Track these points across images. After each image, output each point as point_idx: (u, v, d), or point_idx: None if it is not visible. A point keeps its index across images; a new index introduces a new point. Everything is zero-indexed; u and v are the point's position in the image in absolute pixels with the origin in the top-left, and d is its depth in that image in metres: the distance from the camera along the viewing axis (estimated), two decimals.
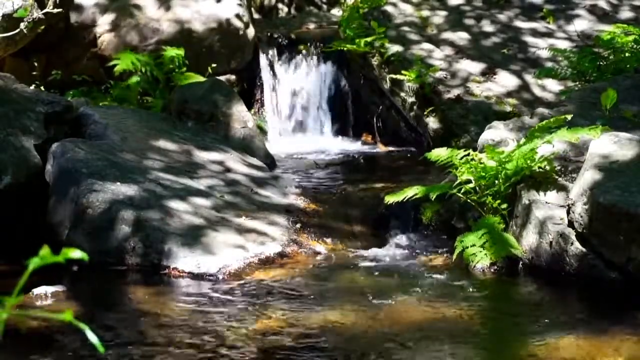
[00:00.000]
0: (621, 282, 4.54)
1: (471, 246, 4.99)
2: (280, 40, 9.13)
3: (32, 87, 6.88)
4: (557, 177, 5.21)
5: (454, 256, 5.01)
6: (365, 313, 4.31)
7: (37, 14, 6.50)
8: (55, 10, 6.44)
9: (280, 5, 11.33)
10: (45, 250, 1.25)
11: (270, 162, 7.16)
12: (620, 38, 7.18)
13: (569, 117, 5.27)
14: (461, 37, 8.69)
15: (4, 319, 1.24)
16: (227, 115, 7.28)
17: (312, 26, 9.85)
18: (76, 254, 1.27)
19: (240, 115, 7.34)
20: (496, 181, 5.22)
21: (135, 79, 8.06)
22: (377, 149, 8.37)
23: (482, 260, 4.93)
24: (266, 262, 5.10)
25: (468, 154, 5.29)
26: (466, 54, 8.45)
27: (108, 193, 5.30)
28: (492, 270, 4.92)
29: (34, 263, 1.27)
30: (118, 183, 5.42)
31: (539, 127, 5.16)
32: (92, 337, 1.31)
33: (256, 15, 10.60)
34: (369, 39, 8.42)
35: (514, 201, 5.14)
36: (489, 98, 7.82)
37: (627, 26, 7.51)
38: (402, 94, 8.16)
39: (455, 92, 7.88)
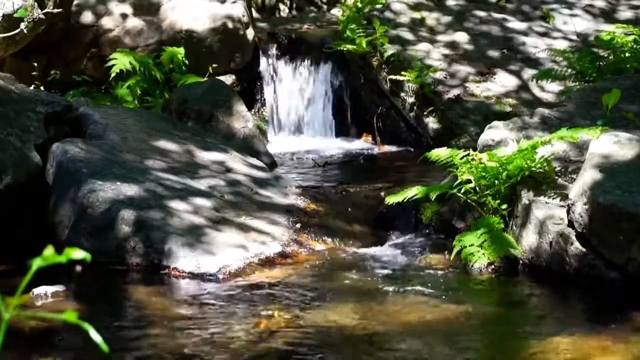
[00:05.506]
0: (621, 282, 4.54)
1: (469, 246, 4.99)
2: (280, 40, 9.13)
3: (32, 87, 6.88)
4: (557, 177, 5.22)
5: (452, 255, 5.01)
6: (365, 312, 4.31)
7: (37, 14, 6.49)
8: (55, 10, 6.44)
9: (280, 6, 11.33)
10: (48, 251, 1.26)
11: (270, 162, 7.16)
12: (620, 38, 7.18)
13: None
14: (460, 37, 8.69)
15: (7, 319, 1.24)
16: (227, 115, 7.28)
17: (312, 26, 9.85)
18: (79, 254, 1.27)
19: (240, 115, 7.34)
20: (496, 181, 5.22)
21: (135, 79, 8.06)
22: (377, 149, 8.37)
23: (479, 260, 4.93)
24: (266, 262, 5.10)
25: (468, 154, 5.29)
26: (465, 54, 8.45)
27: (108, 193, 5.30)
28: (489, 270, 4.92)
29: (37, 263, 1.27)
30: (118, 183, 5.42)
31: (542, 141, 5.15)
32: (96, 337, 1.31)
33: (256, 15, 10.61)
34: (369, 38, 8.42)
35: (514, 201, 5.15)
36: (488, 98, 7.83)
37: (627, 26, 7.52)
38: (402, 94, 8.16)
39: (454, 92, 7.88)
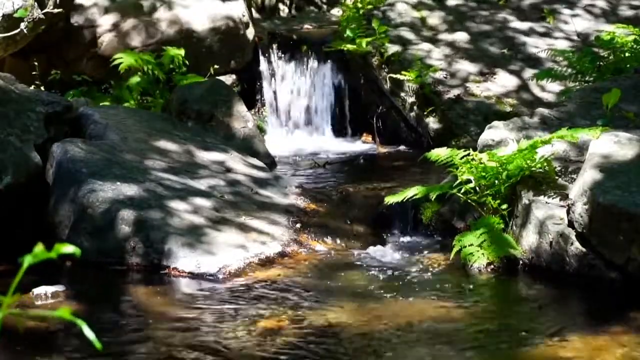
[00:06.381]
0: (621, 282, 4.53)
1: (469, 245, 4.99)
2: (280, 40, 9.13)
3: (32, 87, 6.88)
4: (557, 177, 5.21)
5: (452, 255, 5.00)
6: (364, 312, 4.31)
7: (37, 14, 6.50)
8: (55, 10, 6.44)
9: (280, 6, 11.33)
10: (38, 248, 1.25)
11: (270, 162, 7.16)
12: (620, 38, 7.18)
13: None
14: (461, 37, 8.69)
15: (0, 318, 1.24)
16: (227, 115, 7.28)
17: (312, 26, 9.85)
18: (68, 249, 1.27)
19: (240, 115, 7.34)
20: (496, 181, 5.22)
21: (135, 79, 8.06)
22: (377, 149, 8.37)
23: (479, 260, 4.92)
24: (266, 262, 5.10)
25: (468, 154, 5.29)
26: (466, 54, 8.45)
27: (108, 193, 5.30)
28: (488, 269, 4.92)
29: (27, 261, 1.27)
30: (118, 183, 5.42)
31: (542, 141, 5.15)
32: (89, 334, 1.31)
33: (256, 15, 10.61)
34: (369, 39, 8.42)
35: (514, 201, 5.14)
36: (488, 98, 7.82)
37: (627, 26, 7.51)
38: (402, 94, 8.16)
39: (455, 92, 7.88)
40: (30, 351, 3.87)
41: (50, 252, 1.26)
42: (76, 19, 8.35)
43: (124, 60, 7.96)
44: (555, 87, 7.88)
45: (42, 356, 3.86)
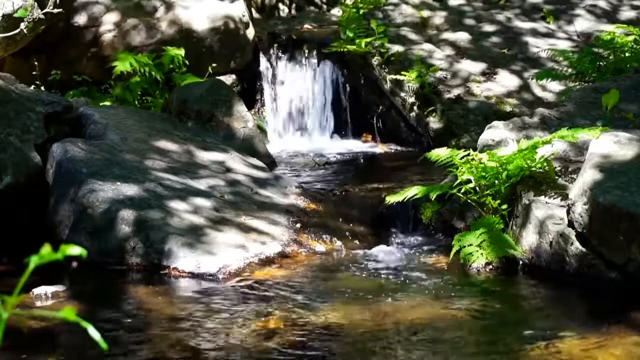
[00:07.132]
0: (621, 282, 4.54)
1: (468, 245, 4.99)
2: (280, 40, 9.13)
3: (32, 87, 6.88)
4: (557, 177, 5.21)
5: (451, 255, 5.01)
6: (364, 313, 4.31)
7: (37, 14, 6.50)
8: (55, 10, 6.44)
9: (280, 5, 11.33)
10: (45, 249, 1.26)
11: (270, 162, 7.17)
12: (620, 38, 7.19)
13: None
14: (461, 37, 8.69)
15: (5, 318, 1.24)
16: (227, 115, 7.29)
17: (312, 26, 9.85)
18: (75, 250, 1.28)
19: (240, 115, 7.34)
20: (496, 181, 5.22)
21: (135, 79, 8.06)
22: (377, 149, 8.37)
23: (478, 260, 4.92)
24: (266, 262, 5.10)
25: (468, 154, 5.29)
26: (466, 54, 8.46)
27: (108, 193, 5.30)
28: (487, 269, 4.92)
29: (34, 261, 1.27)
30: (118, 183, 5.42)
31: (543, 141, 5.14)
32: (95, 334, 1.31)
33: (256, 15, 10.61)
34: (369, 39, 8.42)
35: (514, 201, 5.15)
36: (489, 98, 7.82)
37: (627, 26, 7.52)
38: (402, 94, 8.16)
39: (455, 92, 7.88)
40: (31, 351, 3.87)
41: (57, 254, 1.26)
42: (76, 19, 8.35)
43: (118, 65, 7.96)
44: (556, 87, 7.88)
45: (43, 356, 3.86)
